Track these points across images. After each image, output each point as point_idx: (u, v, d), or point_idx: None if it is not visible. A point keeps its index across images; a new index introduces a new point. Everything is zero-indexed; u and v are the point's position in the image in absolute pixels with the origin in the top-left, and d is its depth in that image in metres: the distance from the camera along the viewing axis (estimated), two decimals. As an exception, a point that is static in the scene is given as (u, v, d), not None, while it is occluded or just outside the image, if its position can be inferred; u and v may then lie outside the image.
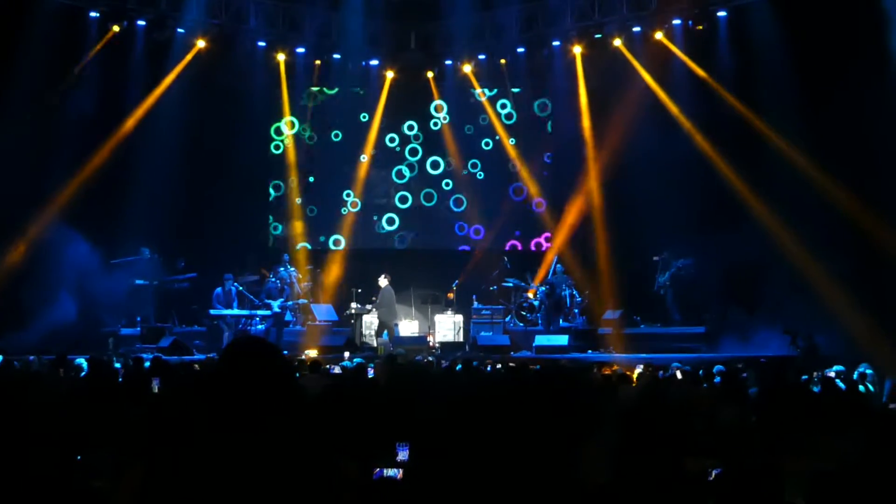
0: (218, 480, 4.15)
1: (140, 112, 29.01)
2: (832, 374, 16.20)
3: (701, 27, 28.63)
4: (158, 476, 4.31)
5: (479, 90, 33.50)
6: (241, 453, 4.21)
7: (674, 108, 29.04)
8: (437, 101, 33.86)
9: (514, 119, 33.94)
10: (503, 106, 33.93)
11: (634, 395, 12.46)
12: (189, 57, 29.93)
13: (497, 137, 33.80)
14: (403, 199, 34.31)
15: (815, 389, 14.67)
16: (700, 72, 28.80)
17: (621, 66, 30.16)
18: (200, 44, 30.02)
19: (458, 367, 17.91)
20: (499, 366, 18.81)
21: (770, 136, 26.32)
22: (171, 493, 4.22)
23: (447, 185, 34.25)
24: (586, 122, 31.38)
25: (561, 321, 28.81)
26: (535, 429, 5.45)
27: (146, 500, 4.38)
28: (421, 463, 5.81)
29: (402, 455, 8.15)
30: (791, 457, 7.34)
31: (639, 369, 18.09)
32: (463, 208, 34.06)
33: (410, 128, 34.34)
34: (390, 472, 7.39)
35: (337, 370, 17.75)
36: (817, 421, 9.73)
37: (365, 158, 33.73)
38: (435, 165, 34.27)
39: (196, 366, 18.34)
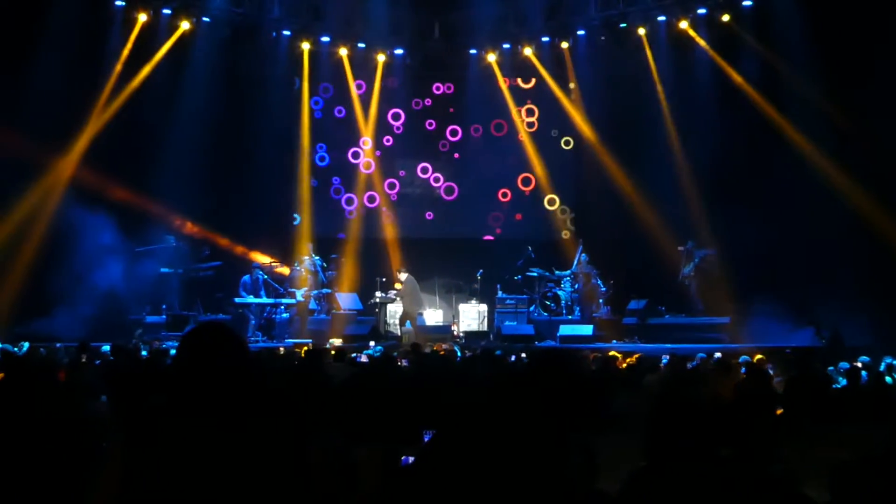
0: (182, 472, 4.17)
1: (164, 93, 29.04)
2: (858, 366, 16.12)
3: (727, 16, 28.51)
4: (133, 466, 4.33)
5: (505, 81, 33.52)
6: (203, 443, 4.21)
7: (697, 98, 28.94)
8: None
9: (538, 109, 33.87)
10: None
11: (660, 383, 12.46)
12: (213, 45, 29.94)
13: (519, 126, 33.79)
14: (429, 188, 34.28)
15: (841, 381, 14.63)
16: (723, 65, 28.79)
17: (645, 55, 30.12)
18: (225, 32, 30.02)
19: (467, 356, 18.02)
20: (523, 355, 18.78)
21: (793, 128, 26.27)
22: (143, 484, 4.24)
23: (470, 173, 34.20)
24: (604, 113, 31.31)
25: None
26: (554, 419, 5.44)
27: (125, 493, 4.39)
28: (436, 449, 5.81)
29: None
30: (815, 447, 7.33)
31: (665, 359, 18.02)
32: (486, 197, 33.99)
33: (434, 117, 34.25)
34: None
35: (363, 359, 17.76)
36: (841, 411, 9.71)
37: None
38: (461, 153, 34.26)
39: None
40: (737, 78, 28.33)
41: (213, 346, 4.43)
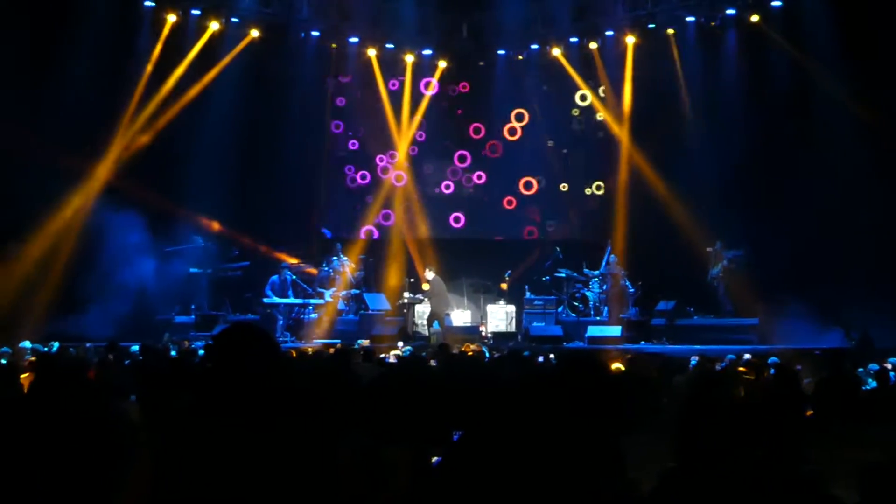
0: (212, 472, 4.18)
1: (192, 95, 29.20)
2: (888, 367, 16.06)
3: (756, 17, 28.43)
4: (162, 466, 4.34)
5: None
6: (232, 443, 4.22)
7: (723, 100, 28.89)
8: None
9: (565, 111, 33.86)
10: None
11: (687, 384, 12.43)
12: (242, 45, 30.05)
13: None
14: (456, 188, 34.30)
15: (870, 382, 14.56)
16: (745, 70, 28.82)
17: (673, 55, 30.09)
18: (254, 33, 30.14)
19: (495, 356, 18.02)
20: (551, 356, 18.76)
21: (822, 128, 26.17)
22: (172, 484, 4.25)
23: (501, 173, 34.20)
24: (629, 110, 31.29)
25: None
26: (584, 419, 5.43)
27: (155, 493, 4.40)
28: (465, 450, 5.80)
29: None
30: (845, 448, 7.31)
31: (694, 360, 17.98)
32: (516, 198, 33.98)
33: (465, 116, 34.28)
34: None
35: (392, 359, 17.77)
36: (871, 412, 9.68)
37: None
38: (492, 151, 34.26)
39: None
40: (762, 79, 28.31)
41: (243, 347, 4.43)
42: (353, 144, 33.88)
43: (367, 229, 33.20)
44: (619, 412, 7.85)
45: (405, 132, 33.62)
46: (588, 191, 33.54)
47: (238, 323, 4.82)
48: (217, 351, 4.44)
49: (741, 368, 16.71)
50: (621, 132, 31.78)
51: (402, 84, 33.57)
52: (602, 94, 32.80)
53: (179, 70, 29.07)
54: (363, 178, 33.81)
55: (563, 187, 33.76)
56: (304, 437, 4.39)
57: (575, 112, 33.53)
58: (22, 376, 11.96)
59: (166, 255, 27.49)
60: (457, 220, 34.08)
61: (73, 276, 24.77)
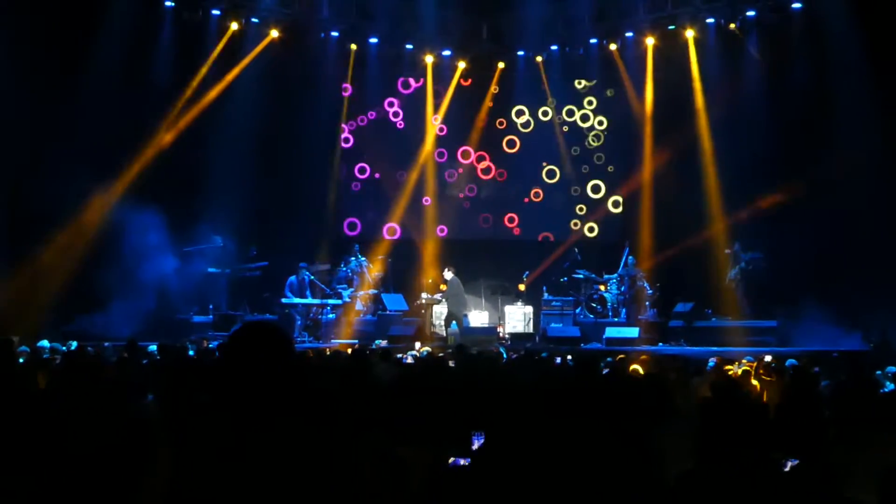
0: (227, 473, 4.18)
1: (214, 95, 29.31)
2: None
3: (777, 19, 28.38)
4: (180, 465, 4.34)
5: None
6: (248, 442, 4.22)
7: (744, 101, 28.84)
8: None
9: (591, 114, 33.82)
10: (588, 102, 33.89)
11: (708, 388, 12.41)
12: (262, 45, 30.10)
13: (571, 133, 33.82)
14: (474, 188, 34.34)
15: (888, 385, 14.52)
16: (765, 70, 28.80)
17: (692, 56, 30.06)
18: (274, 33, 30.17)
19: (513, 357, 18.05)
20: (569, 357, 18.75)
21: (841, 131, 26.08)
22: (190, 482, 4.25)
23: (518, 174, 34.22)
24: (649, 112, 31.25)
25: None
26: (606, 420, 5.44)
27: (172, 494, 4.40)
28: (490, 452, 5.80)
29: (477, 445, 8.13)
30: (863, 450, 7.29)
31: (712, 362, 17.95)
32: (535, 199, 34.01)
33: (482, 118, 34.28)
34: (465, 461, 7.38)
35: (409, 360, 17.78)
36: (890, 415, 9.65)
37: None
38: (509, 155, 34.29)
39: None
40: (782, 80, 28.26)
41: (256, 345, 4.43)
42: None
43: (389, 226, 33.21)
44: (637, 413, 7.86)
45: (429, 131, 33.71)
46: (603, 196, 33.52)
47: (252, 322, 4.82)
48: (230, 349, 4.44)
49: (760, 371, 16.70)
50: (640, 132, 31.72)
51: (423, 83, 33.62)
52: (609, 94, 32.91)
53: (203, 70, 29.15)
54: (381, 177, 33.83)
55: (575, 191, 33.73)
56: (319, 437, 4.39)
57: (589, 110, 33.57)
58: (39, 375, 12.00)
59: (185, 255, 27.54)
60: (474, 220, 34.04)
61: (92, 276, 24.80)
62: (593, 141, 33.65)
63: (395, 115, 33.74)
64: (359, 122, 33.59)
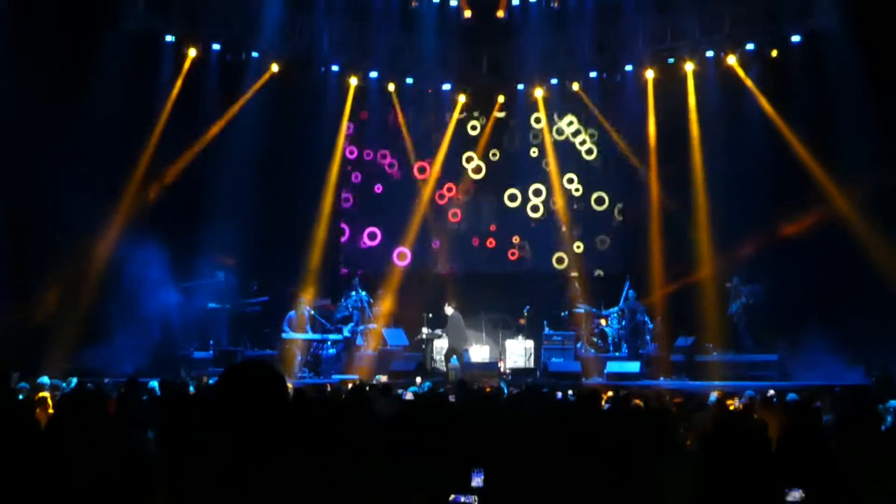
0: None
1: (215, 129, 29.36)
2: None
3: (775, 52, 28.42)
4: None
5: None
6: (243, 478, 4.20)
7: (745, 133, 28.88)
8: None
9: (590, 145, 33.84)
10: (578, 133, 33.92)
11: (710, 421, 12.39)
12: (263, 80, 30.15)
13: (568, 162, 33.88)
14: (476, 223, 34.34)
15: (888, 419, 14.48)
16: (765, 104, 28.79)
17: (692, 90, 30.10)
18: (274, 67, 30.23)
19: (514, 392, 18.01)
20: (570, 392, 18.73)
21: (842, 164, 26.11)
22: None
23: (521, 210, 34.22)
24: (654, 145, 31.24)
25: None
26: (608, 453, 5.42)
27: None
28: (492, 488, 5.78)
29: (477, 481, 8.10)
30: (866, 483, 7.28)
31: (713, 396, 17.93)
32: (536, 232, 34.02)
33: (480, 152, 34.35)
34: (465, 498, 7.35)
35: (409, 396, 17.75)
36: (891, 449, 9.63)
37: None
38: (512, 196, 34.31)
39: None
40: (775, 118, 28.34)
41: (244, 384, 4.40)
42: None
43: (398, 252, 33.37)
44: (639, 448, 7.83)
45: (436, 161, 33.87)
46: (603, 229, 33.56)
47: (245, 360, 4.81)
48: (220, 387, 4.42)
49: (762, 405, 16.68)
50: (641, 164, 31.78)
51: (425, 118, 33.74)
52: (605, 128, 32.99)
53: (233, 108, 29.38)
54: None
55: (576, 223, 33.76)
56: (317, 472, 4.37)
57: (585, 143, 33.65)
58: (37, 411, 11.97)
59: (186, 291, 27.50)
60: (475, 254, 34.03)
61: (93, 310, 24.78)
62: (592, 172, 33.68)
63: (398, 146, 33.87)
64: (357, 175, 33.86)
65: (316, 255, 30.94)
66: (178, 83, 28.71)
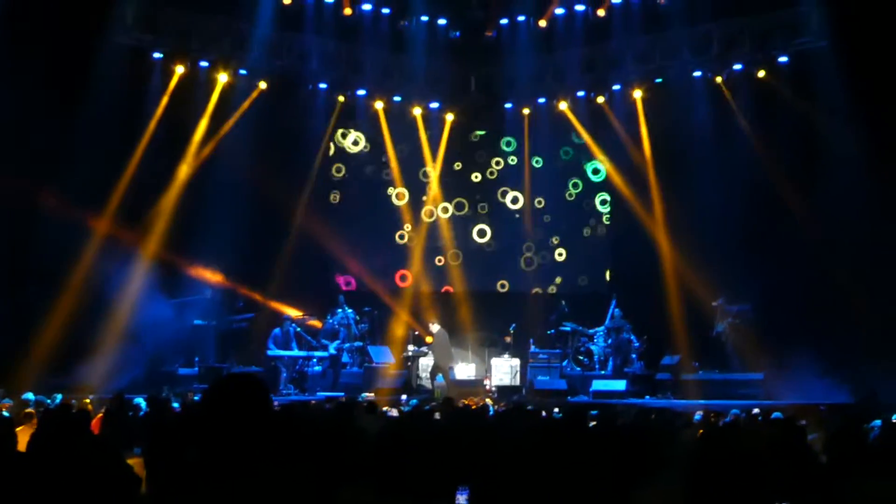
0: None
1: (206, 147, 29.43)
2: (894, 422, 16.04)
3: (763, 73, 28.48)
4: None
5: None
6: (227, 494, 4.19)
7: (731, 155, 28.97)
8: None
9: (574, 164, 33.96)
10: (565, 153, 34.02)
11: (696, 441, 12.41)
12: (251, 99, 30.18)
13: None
14: (462, 241, 34.36)
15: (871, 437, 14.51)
16: (745, 125, 28.97)
17: (680, 109, 30.14)
18: (262, 85, 30.24)
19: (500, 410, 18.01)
20: (555, 410, 18.72)
21: (830, 182, 26.14)
22: None
23: (505, 227, 34.28)
24: (649, 167, 31.26)
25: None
26: (593, 473, 5.43)
27: None
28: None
29: (462, 499, 8.11)
30: (853, 499, 7.31)
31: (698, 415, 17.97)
32: (523, 250, 34.02)
33: (468, 168, 34.38)
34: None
35: (394, 413, 17.73)
36: (879, 467, 9.66)
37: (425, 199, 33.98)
38: (495, 207, 34.35)
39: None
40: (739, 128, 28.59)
41: (230, 399, 4.40)
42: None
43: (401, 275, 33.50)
44: (625, 466, 7.85)
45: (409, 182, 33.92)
46: (589, 248, 33.64)
47: (231, 374, 4.80)
48: (206, 401, 4.42)
49: (747, 423, 16.71)
50: (622, 186, 31.91)
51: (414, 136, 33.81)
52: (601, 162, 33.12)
53: (202, 123, 29.39)
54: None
55: (560, 253, 33.83)
56: (299, 489, 4.37)
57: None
58: (18, 429, 11.95)
59: (172, 307, 27.46)
60: (462, 272, 34.07)
61: (80, 327, 24.72)
62: (578, 192, 33.76)
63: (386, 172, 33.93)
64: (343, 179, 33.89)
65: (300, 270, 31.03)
66: (165, 100, 28.68)
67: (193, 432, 4.50)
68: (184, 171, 28.90)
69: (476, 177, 34.46)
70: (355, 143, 33.85)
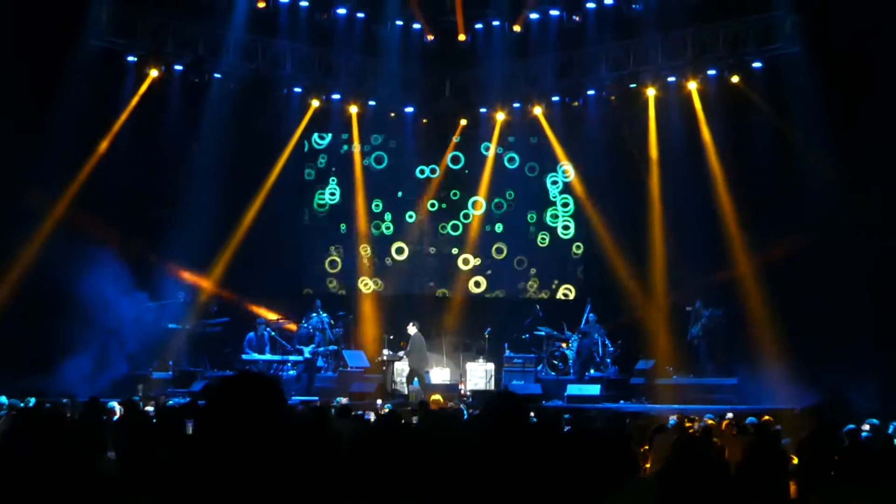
0: None
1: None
2: (865, 427, 16.11)
3: (737, 78, 28.51)
4: None
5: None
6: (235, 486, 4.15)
7: (707, 160, 29.07)
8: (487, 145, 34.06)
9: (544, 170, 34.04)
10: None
11: (670, 444, 12.45)
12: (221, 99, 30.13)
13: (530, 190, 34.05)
14: (439, 246, 34.34)
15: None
16: (706, 134, 29.09)
17: (652, 115, 30.22)
18: (235, 88, 30.14)
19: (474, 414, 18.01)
20: (531, 414, 18.72)
21: (803, 189, 26.25)
22: None
23: (490, 232, 34.33)
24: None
25: (593, 371, 28.79)
26: (565, 478, 5.43)
27: None
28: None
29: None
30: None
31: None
32: (502, 257, 34.04)
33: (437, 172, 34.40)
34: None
35: (371, 417, 17.74)
36: (850, 472, 9.71)
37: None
38: (467, 214, 34.31)
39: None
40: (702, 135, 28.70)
41: (247, 400, 4.34)
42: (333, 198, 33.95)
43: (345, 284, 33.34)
44: (599, 471, 7.86)
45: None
46: (565, 253, 33.68)
47: (247, 373, 4.73)
48: (223, 402, 4.35)
49: (721, 428, 16.78)
50: (584, 198, 32.04)
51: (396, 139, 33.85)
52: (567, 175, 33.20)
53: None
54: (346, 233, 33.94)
55: (541, 246, 33.87)
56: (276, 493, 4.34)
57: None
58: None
59: (146, 310, 27.38)
60: (438, 276, 34.09)
61: (51, 329, 24.65)
62: (558, 199, 33.82)
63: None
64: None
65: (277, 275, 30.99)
66: (134, 101, 28.55)
67: (199, 426, 4.43)
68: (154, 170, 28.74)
69: (446, 180, 34.35)
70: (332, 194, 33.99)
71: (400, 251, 34.03)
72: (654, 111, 30.15)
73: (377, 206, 33.90)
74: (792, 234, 25.87)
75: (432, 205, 34.10)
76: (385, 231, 33.99)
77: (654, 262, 29.45)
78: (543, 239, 33.82)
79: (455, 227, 34.23)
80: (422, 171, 34.20)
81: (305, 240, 33.85)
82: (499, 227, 34.13)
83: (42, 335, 24.53)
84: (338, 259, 33.85)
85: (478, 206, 33.89)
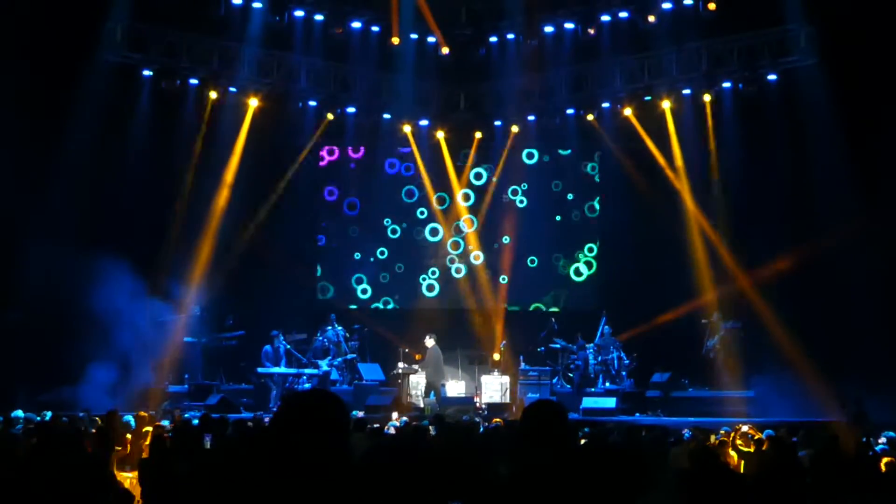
0: None
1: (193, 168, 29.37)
2: (882, 441, 16.08)
3: (753, 90, 28.44)
4: None
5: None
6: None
7: (715, 172, 29.12)
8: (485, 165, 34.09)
9: (562, 182, 34.02)
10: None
11: (686, 459, 12.44)
12: (248, 118, 30.16)
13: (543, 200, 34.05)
14: (450, 260, 34.39)
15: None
16: (712, 147, 29.16)
17: (668, 127, 30.21)
18: (253, 103, 30.18)
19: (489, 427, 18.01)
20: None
21: (819, 198, 26.23)
22: None
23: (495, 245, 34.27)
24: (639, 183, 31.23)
25: (608, 383, 28.75)
26: (585, 491, 5.44)
27: None
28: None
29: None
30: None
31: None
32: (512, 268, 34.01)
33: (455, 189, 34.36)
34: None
35: (391, 430, 17.72)
36: (866, 484, 9.69)
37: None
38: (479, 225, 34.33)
39: (249, 423, 18.20)
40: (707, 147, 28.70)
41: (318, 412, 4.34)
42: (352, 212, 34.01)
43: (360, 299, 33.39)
44: (615, 485, 7.87)
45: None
46: (582, 266, 33.65)
47: (317, 391, 4.72)
48: (291, 417, 4.34)
49: (738, 441, 16.74)
50: (624, 201, 31.98)
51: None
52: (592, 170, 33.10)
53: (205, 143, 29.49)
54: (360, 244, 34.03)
55: (556, 259, 33.84)
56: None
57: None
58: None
59: (161, 324, 27.37)
60: (456, 289, 34.12)
61: (68, 343, 24.65)
62: (574, 210, 33.82)
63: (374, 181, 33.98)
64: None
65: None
66: (203, 129, 28.90)
67: (266, 443, 4.43)
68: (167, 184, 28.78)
69: (468, 196, 34.38)
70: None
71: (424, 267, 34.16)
72: (672, 123, 30.11)
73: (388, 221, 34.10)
74: (808, 245, 25.85)
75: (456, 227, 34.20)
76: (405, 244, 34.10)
77: (675, 274, 29.35)
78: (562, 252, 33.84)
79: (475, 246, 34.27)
80: (439, 188, 34.19)
81: (321, 253, 33.86)
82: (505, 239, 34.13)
83: (60, 349, 24.54)
84: (363, 275, 33.88)
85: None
